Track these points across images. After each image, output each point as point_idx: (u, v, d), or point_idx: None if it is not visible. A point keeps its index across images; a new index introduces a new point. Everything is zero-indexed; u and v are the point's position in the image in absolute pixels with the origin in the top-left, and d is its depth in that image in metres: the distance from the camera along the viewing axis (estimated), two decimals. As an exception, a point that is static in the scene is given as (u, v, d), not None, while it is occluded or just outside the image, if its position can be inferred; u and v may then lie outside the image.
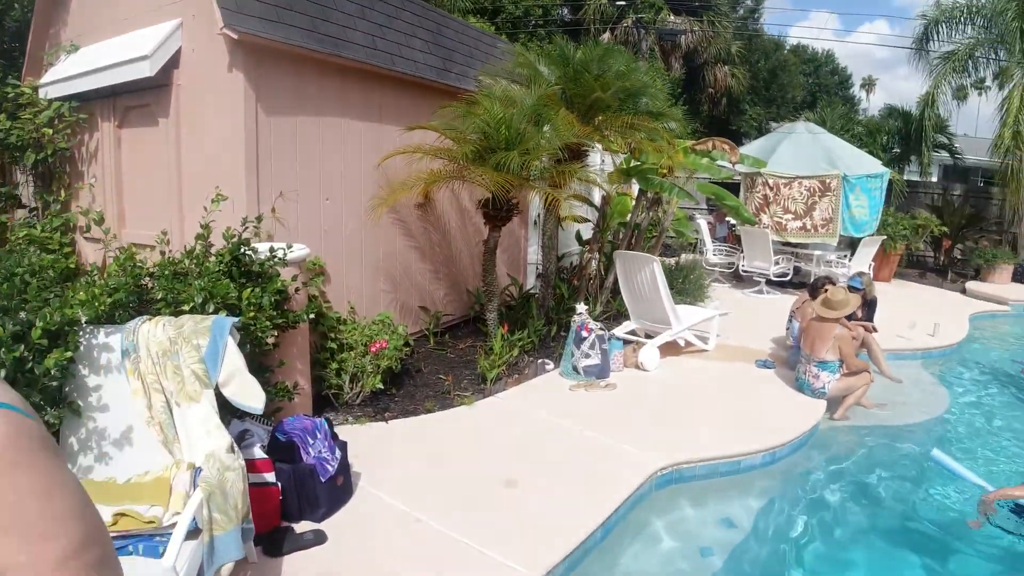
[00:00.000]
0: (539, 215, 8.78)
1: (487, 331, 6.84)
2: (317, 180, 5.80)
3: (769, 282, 11.81)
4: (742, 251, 12.08)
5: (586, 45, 6.99)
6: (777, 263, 11.56)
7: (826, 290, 7.49)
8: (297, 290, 4.71)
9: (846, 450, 6.47)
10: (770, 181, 11.47)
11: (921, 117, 15.45)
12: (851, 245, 12.50)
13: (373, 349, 5.34)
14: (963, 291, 14.00)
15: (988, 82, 15.64)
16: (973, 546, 5.19)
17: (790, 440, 5.64)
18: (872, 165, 12.12)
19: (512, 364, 6.49)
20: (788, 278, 11.85)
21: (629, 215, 9.09)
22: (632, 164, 8.58)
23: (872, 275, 12.27)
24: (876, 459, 6.41)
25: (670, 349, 7.56)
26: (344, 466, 4.12)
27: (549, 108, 6.15)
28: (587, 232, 9.87)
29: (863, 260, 11.94)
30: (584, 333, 6.49)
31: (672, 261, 11.36)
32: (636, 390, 6.43)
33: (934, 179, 17.83)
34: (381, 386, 5.48)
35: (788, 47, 33.33)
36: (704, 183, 9.10)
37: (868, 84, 35.13)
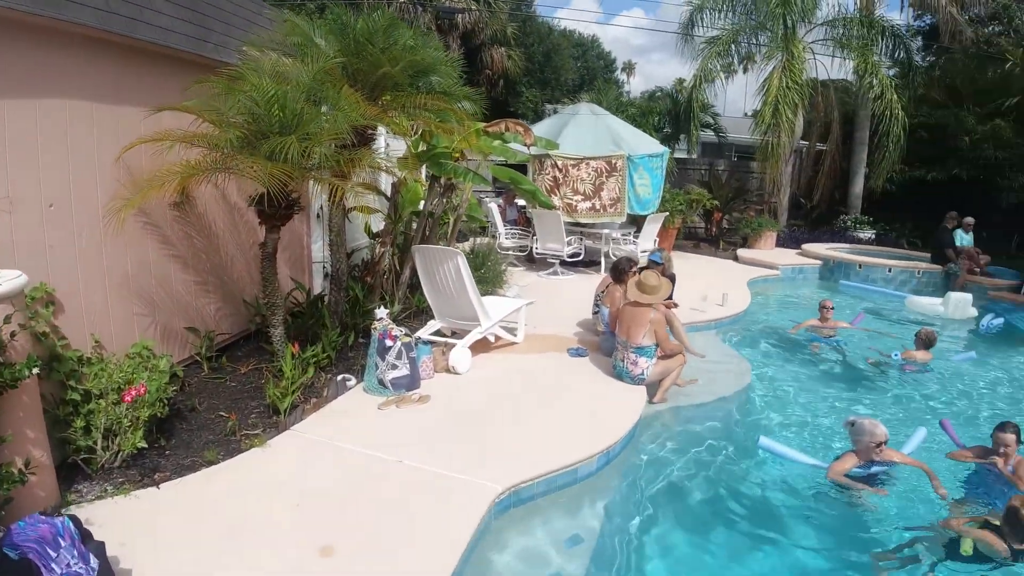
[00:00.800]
0: (322, 207, 7.81)
1: (273, 349, 5.82)
2: (36, 182, 4.46)
3: (563, 263, 11.71)
4: (534, 233, 11.88)
5: (368, 15, 6.12)
6: (569, 244, 11.46)
7: (635, 274, 7.32)
8: (13, 334, 3.50)
9: (672, 435, 6.31)
10: (559, 163, 11.30)
11: (690, 99, 16.23)
12: (633, 222, 12.73)
13: (127, 399, 4.17)
14: (735, 258, 14.91)
15: (739, 64, 16.69)
16: (803, 516, 5.22)
17: (621, 436, 5.29)
18: (653, 145, 12.40)
19: (308, 386, 5.56)
20: (580, 258, 11.82)
21: (422, 203, 8.40)
22: (423, 148, 7.87)
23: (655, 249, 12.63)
24: (700, 438, 6.34)
25: (479, 345, 6.99)
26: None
27: (330, 85, 5.24)
28: (377, 223, 9.03)
29: (649, 236, 12.20)
30: (388, 342, 5.71)
31: (466, 247, 10.86)
32: (453, 400, 5.78)
33: (693, 156, 18.92)
34: (144, 444, 4.31)
35: (558, 31, 34.22)
36: (500, 167, 8.65)
37: (628, 68, 37.32)
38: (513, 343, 7.42)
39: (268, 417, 5.13)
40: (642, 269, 8.54)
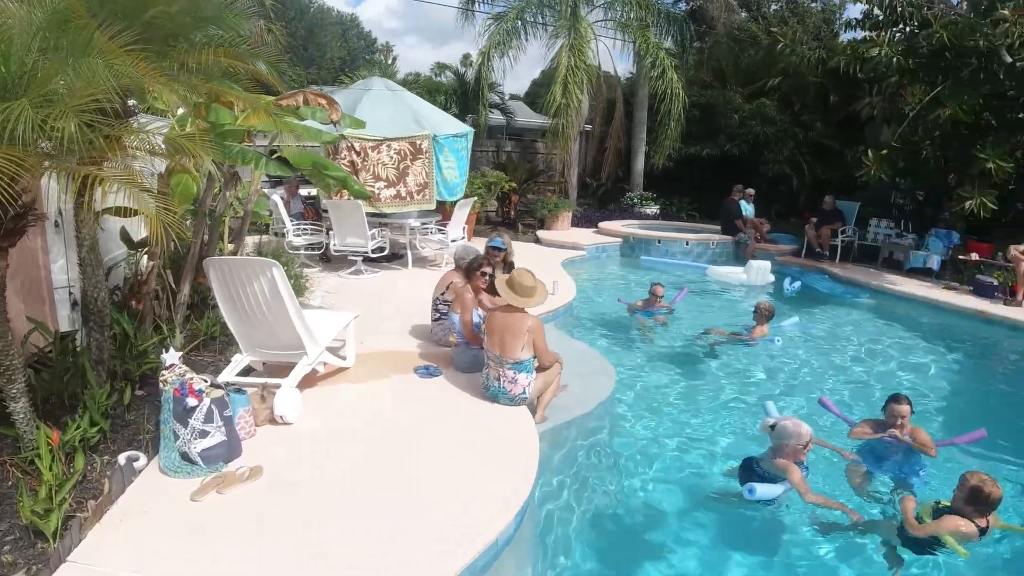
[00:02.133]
0: (61, 210, 5.70)
1: (16, 434, 3.84)
2: None
3: (367, 259, 10.21)
4: (329, 228, 10.24)
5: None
6: (373, 238, 10.00)
7: (485, 273, 6.15)
8: None
9: (570, 465, 5.29)
10: (356, 145, 9.74)
11: (478, 77, 15.31)
12: (435, 210, 11.50)
13: None
14: (537, 241, 14.29)
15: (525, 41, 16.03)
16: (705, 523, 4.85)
17: (527, 491, 4.07)
18: (456, 124, 11.23)
19: (80, 484, 3.70)
20: (384, 253, 10.40)
21: (197, 199, 6.53)
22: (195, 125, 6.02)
23: (467, 237, 11.54)
24: (599, 463, 5.50)
25: (303, 379, 5.41)
26: None
27: (73, 30, 3.42)
28: (135, 228, 6.96)
29: (458, 224, 11.06)
30: (191, 400, 4.00)
31: (249, 249, 9.04)
32: (287, 467, 4.17)
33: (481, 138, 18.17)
34: None
35: (316, 5, 31.74)
36: (300, 152, 6.96)
37: (387, 50, 35.89)
38: (343, 368, 5.92)
39: (29, 546, 3.24)
40: (506, 266, 7.50)
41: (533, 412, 5.31)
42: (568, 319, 9.16)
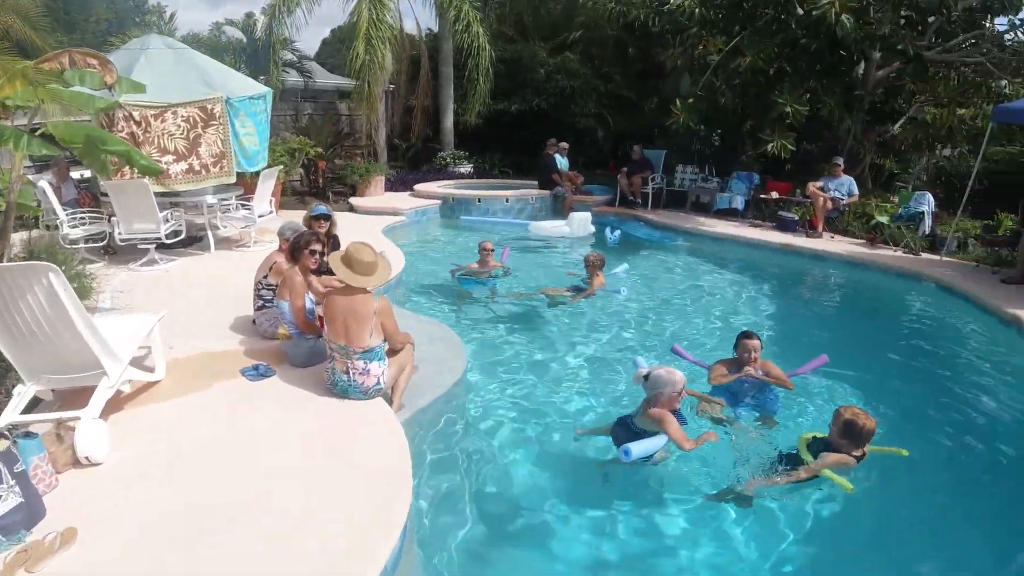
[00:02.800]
0: None
1: None
2: None
3: (161, 247, 8.93)
4: (112, 214, 8.83)
5: None
6: (166, 220, 8.76)
7: (315, 251, 5.41)
8: None
9: (440, 455, 4.80)
10: (135, 114, 8.33)
11: (269, 33, 13.91)
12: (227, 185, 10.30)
13: None
14: (351, 209, 13.45)
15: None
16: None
17: (405, 517, 3.52)
18: (252, 85, 10.00)
19: None
20: (180, 237, 9.17)
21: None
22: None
23: (274, 211, 10.53)
24: (468, 446, 5.05)
25: (107, 405, 4.42)
26: None
27: None
28: None
29: (264, 197, 10.01)
30: (-43, 454, 3.04)
31: (16, 247, 7.57)
32: (105, 521, 3.33)
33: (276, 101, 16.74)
34: None
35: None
36: (70, 125, 5.68)
37: (159, 11, 32.07)
38: (154, 383, 4.97)
39: None
40: (331, 240, 6.76)
41: (388, 402, 4.75)
42: (400, 291, 8.58)
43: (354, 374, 4.51)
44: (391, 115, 16.68)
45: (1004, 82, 13.15)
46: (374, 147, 15.55)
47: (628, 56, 18.03)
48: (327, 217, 6.88)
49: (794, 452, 4.64)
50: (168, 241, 8.78)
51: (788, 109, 11.85)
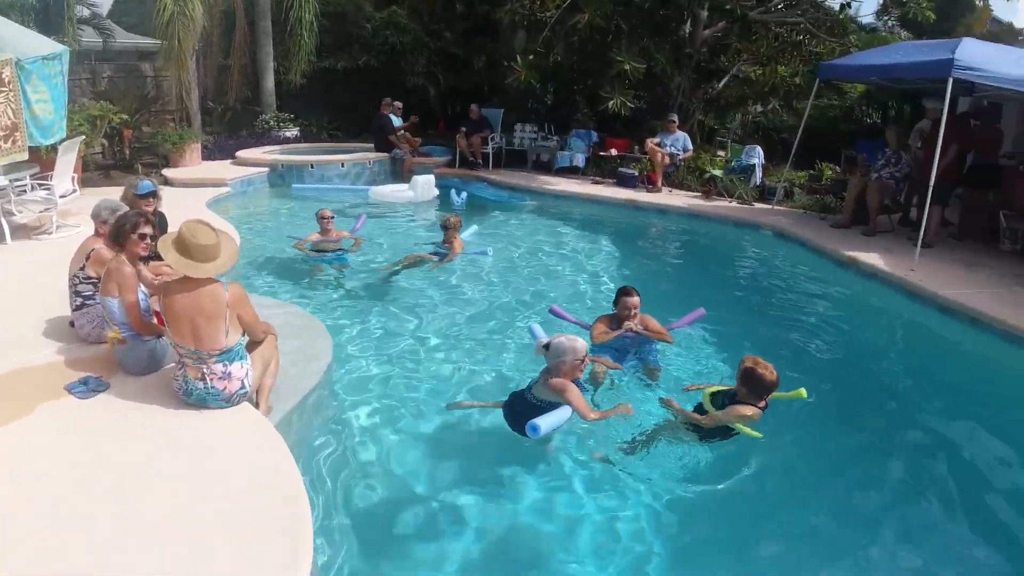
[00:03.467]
0: None
1: None
2: None
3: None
4: None
5: None
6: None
7: (145, 236, 4.56)
8: None
9: (325, 463, 4.28)
10: None
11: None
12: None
13: None
14: (165, 182, 12.05)
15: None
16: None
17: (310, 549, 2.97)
18: (46, 43, 8.46)
19: None
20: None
21: None
22: None
23: (77, 189, 9.16)
24: (352, 446, 4.59)
25: None
26: None
27: None
28: None
29: (66, 173, 8.64)
30: None
31: None
32: None
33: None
34: None
35: None
36: None
37: None
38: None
39: None
40: (159, 220, 5.87)
41: (255, 405, 4.11)
42: (239, 272, 7.71)
43: (212, 380, 3.82)
44: (204, 75, 15.11)
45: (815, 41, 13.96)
46: (186, 112, 14.04)
47: (457, 12, 17.48)
48: (155, 195, 5.94)
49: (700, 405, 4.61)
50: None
51: (627, 67, 11.90)
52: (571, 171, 13.83)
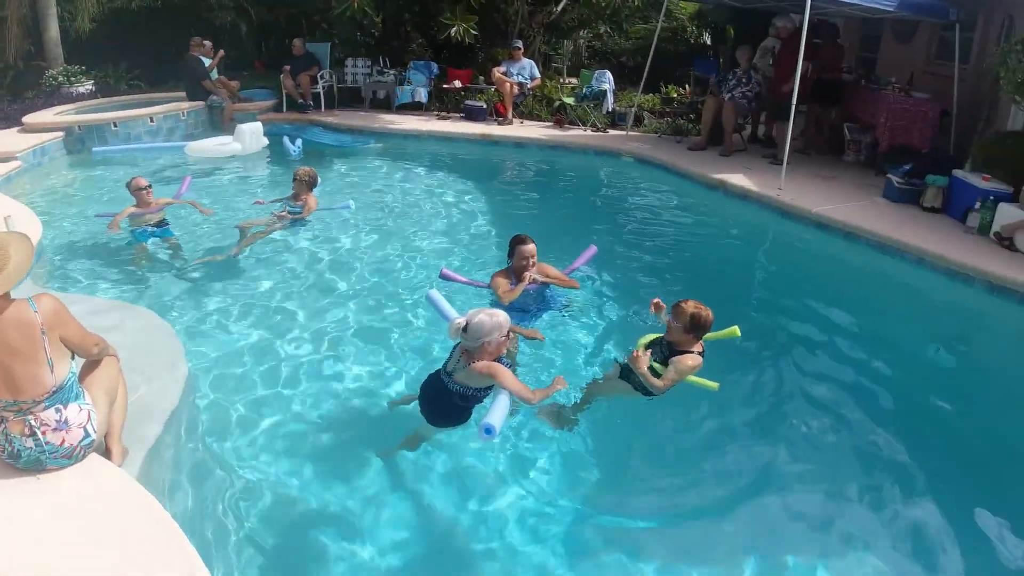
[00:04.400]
0: None
1: None
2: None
3: None
4: None
5: None
6: None
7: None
8: None
9: (205, 504, 3.54)
10: None
11: None
12: None
13: None
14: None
15: None
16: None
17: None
18: None
19: None
20: None
21: None
22: None
23: None
24: (233, 479, 3.81)
25: None
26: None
27: None
28: None
29: None
30: None
31: None
32: None
33: None
34: None
35: None
36: None
37: None
38: None
39: None
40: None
41: (104, 454, 3.21)
42: (45, 270, 6.41)
43: (46, 433, 2.89)
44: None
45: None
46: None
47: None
48: None
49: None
50: None
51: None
52: (413, 107, 12.95)
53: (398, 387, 4.65)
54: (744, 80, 9.75)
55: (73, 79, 13.17)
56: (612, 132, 11.33)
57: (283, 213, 7.23)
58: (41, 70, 13.45)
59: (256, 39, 16.48)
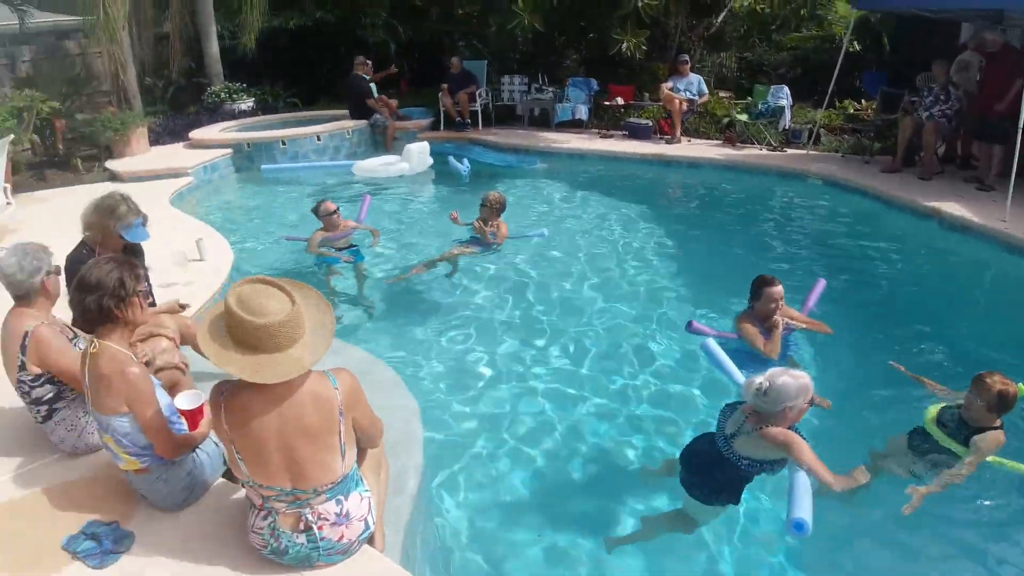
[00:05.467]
0: None
1: None
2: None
3: None
4: None
5: None
6: None
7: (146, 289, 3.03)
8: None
9: None
10: None
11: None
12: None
13: None
14: (112, 177, 10.21)
15: None
16: None
17: None
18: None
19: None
20: None
21: None
22: None
23: (12, 200, 7.37)
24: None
25: None
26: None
27: None
28: None
29: (-5, 181, 6.88)
30: None
31: None
32: None
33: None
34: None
35: None
36: None
37: None
38: None
39: None
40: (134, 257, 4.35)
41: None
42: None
43: (323, 528, 2.36)
44: (139, 48, 12.99)
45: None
46: (123, 92, 12.02)
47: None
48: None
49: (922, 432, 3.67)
50: None
51: (640, 4, 10.48)
52: (571, 125, 12.34)
53: (646, 446, 3.99)
54: (943, 97, 8.65)
55: (235, 96, 13.34)
56: (790, 151, 10.37)
57: (476, 241, 6.73)
58: (202, 87, 13.70)
59: (402, 57, 16.38)
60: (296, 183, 10.21)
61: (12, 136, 7.85)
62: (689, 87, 11.44)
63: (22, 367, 3.08)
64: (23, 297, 3.15)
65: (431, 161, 10.53)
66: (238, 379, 2.24)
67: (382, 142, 11.82)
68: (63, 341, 3.11)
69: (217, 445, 2.92)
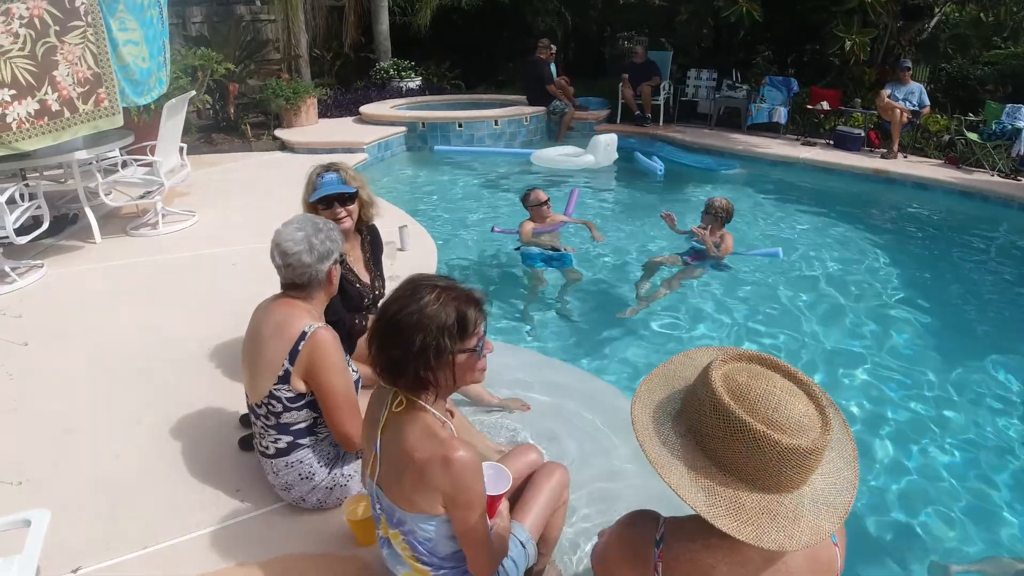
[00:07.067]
0: None
1: None
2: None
3: (8, 248, 5.14)
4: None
5: None
6: (13, 203, 5.02)
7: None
8: None
9: None
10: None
11: None
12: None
13: None
14: (283, 147, 9.76)
15: None
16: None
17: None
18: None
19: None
20: (45, 227, 5.37)
21: None
22: None
23: (187, 162, 6.80)
24: None
25: None
26: None
27: None
28: None
29: (172, 141, 6.30)
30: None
31: None
32: None
33: None
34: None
35: None
36: None
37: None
38: None
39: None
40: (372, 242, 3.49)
41: None
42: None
43: None
44: (312, 18, 12.61)
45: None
46: (294, 61, 11.62)
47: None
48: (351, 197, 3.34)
49: None
50: (20, 240, 4.99)
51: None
52: (763, 128, 11.02)
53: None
54: None
55: (404, 74, 12.75)
56: (1022, 180, 8.73)
57: (696, 253, 5.67)
58: (369, 62, 13.20)
59: (565, 44, 15.44)
60: (467, 168, 9.44)
61: (193, 92, 7.34)
62: (910, 96, 9.91)
63: (284, 378, 2.26)
64: (302, 287, 2.35)
65: (616, 156, 9.52)
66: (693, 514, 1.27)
67: (556, 131, 10.91)
68: (343, 356, 2.28)
69: (523, 546, 1.99)
